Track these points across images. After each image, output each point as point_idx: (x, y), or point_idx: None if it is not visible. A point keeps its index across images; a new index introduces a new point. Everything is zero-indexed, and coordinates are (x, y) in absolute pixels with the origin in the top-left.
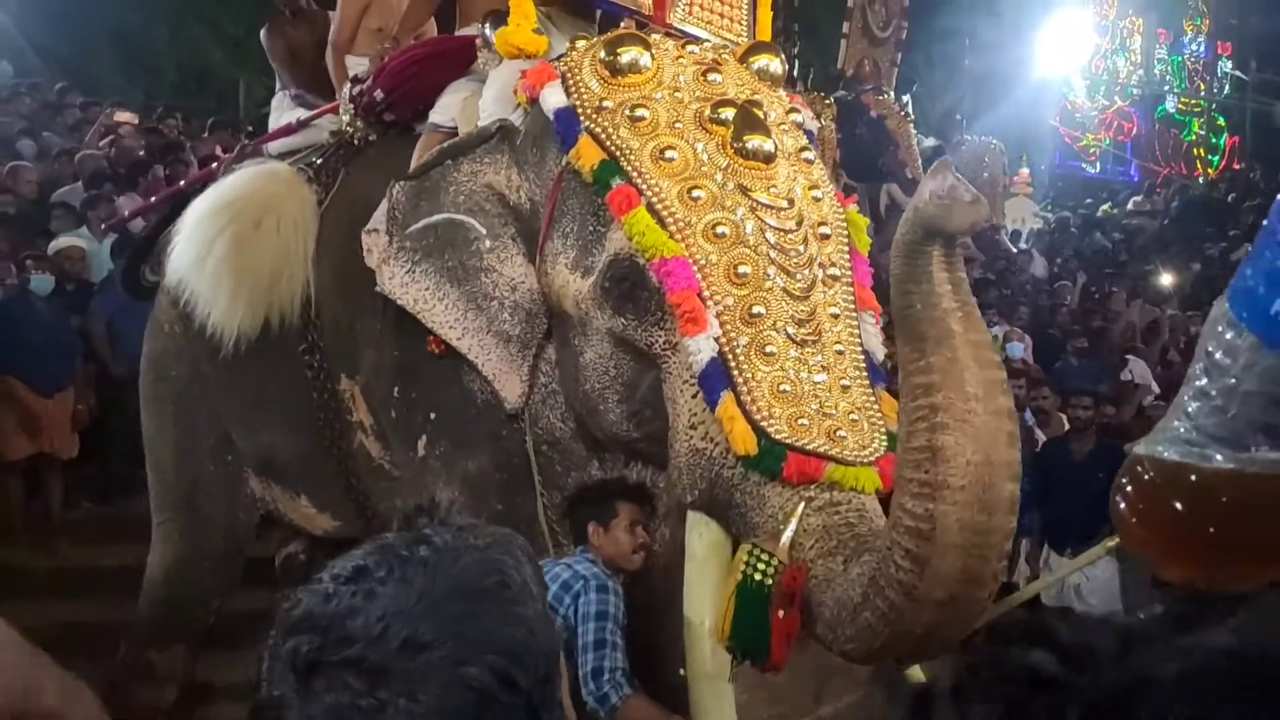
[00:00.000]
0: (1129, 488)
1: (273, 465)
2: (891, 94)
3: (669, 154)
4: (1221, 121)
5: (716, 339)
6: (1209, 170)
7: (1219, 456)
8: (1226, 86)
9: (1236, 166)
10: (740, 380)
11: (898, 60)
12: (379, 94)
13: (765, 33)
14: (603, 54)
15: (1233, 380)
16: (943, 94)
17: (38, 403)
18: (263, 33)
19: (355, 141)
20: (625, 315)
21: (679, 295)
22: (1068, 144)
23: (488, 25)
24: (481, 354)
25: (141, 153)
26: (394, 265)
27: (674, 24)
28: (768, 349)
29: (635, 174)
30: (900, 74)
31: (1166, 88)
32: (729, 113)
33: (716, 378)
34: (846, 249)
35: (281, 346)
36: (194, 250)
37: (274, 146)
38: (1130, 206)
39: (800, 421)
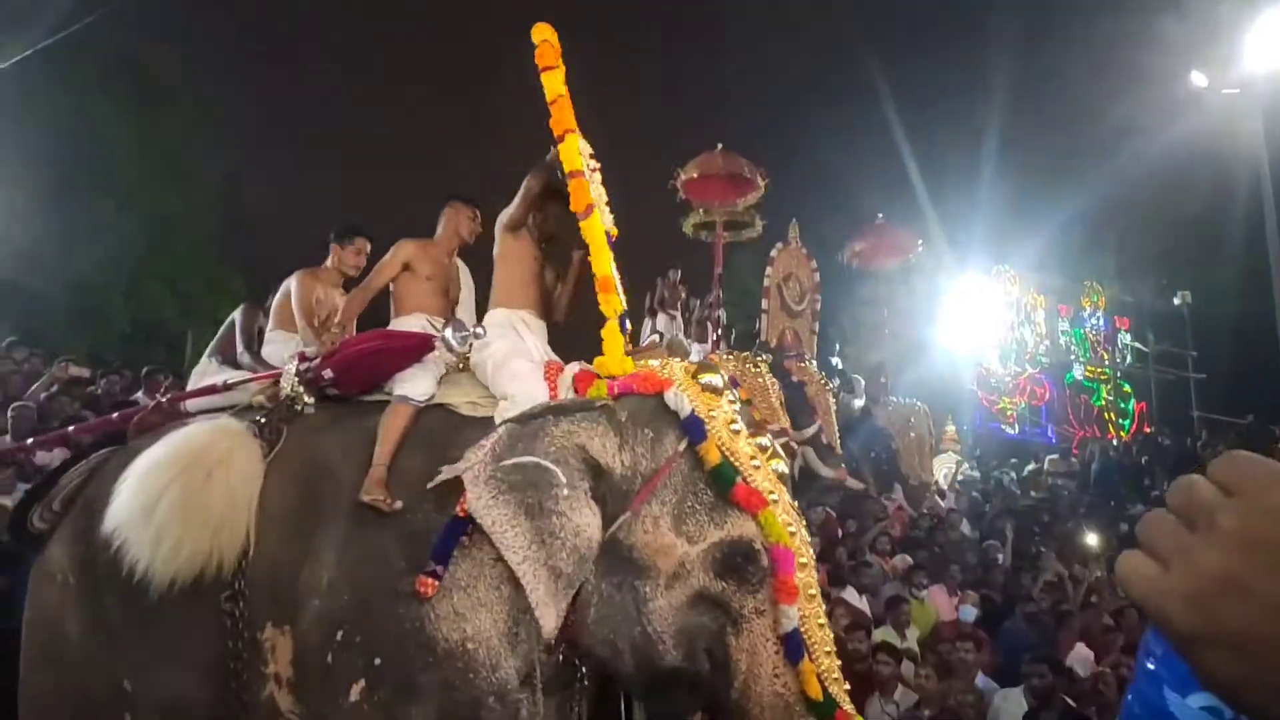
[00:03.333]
0: None
1: (173, 717)
2: (813, 361)
3: (754, 461)
4: (1128, 388)
5: (799, 609)
6: (1121, 433)
7: None
8: (1129, 356)
9: (1148, 429)
10: (810, 643)
11: (815, 329)
12: (327, 373)
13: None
14: (705, 378)
15: None
16: (867, 356)
17: None
18: (294, 282)
19: (298, 407)
20: (726, 581)
21: (787, 575)
22: (986, 406)
23: (448, 329)
24: (534, 581)
25: (78, 406)
26: (483, 489)
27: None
28: (820, 620)
29: (746, 476)
30: (824, 339)
31: (1073, 357)
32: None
33: (798, 640)
34: None
35: (203, 594)
36: (142, 497)
37: (194, 404)
38: (1047, 466)
39: (835, 677)
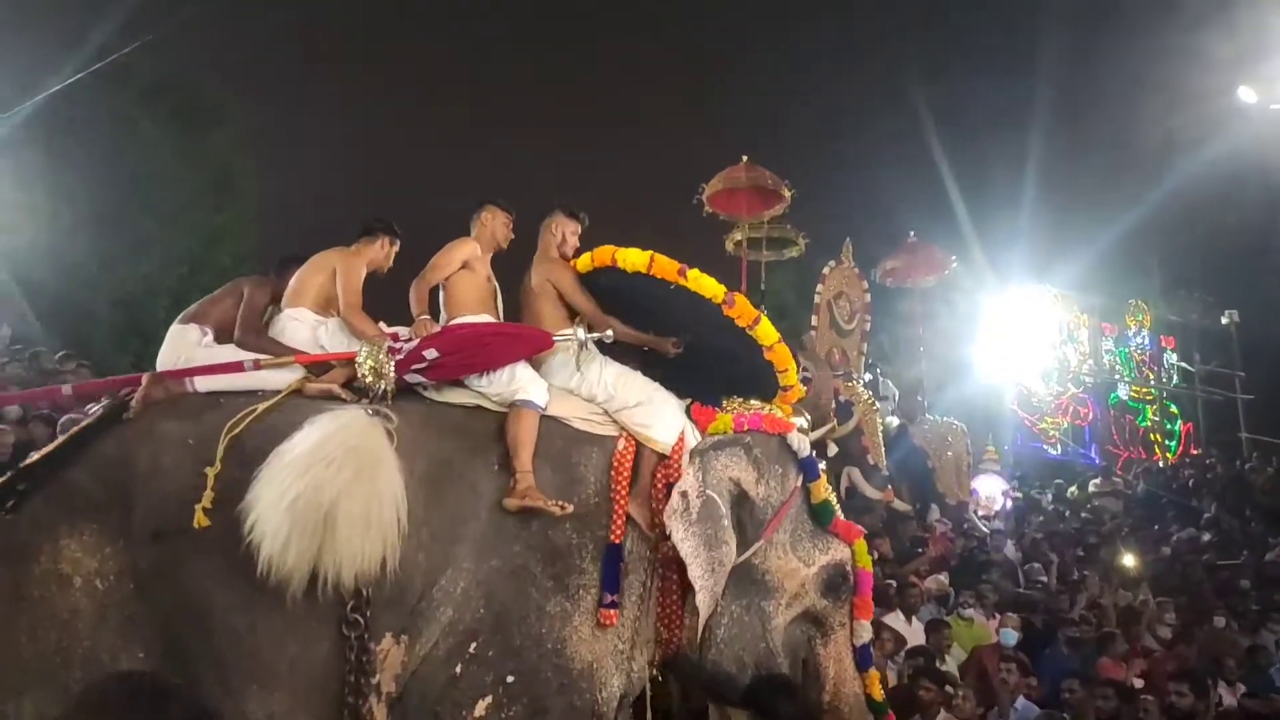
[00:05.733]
0: None
1: None
2: (860, 381)
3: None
4: (1174, 409)
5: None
6: (1167, 455)
7: None
8: (1175, 376)
9: (1194, 451)
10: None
11: (863, 349)
12: (431, 353)
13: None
14: (798, 421)
15: None
16: (904, 375)
17: None
18: (340, 262)
19: (382, 393)
20: (828, 599)
21: (867, 594)
22: (1027, 426)
23: (581, 328)
24: (706, 607)
25: None
26: (678, 522)
27: None
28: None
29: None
30: (866, 361)
31: (1117, 377)
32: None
33: (869, 650)
34: None
35: (325, 602)
36: (295, 492)
37: (204, 383)
38: (1091, 489)
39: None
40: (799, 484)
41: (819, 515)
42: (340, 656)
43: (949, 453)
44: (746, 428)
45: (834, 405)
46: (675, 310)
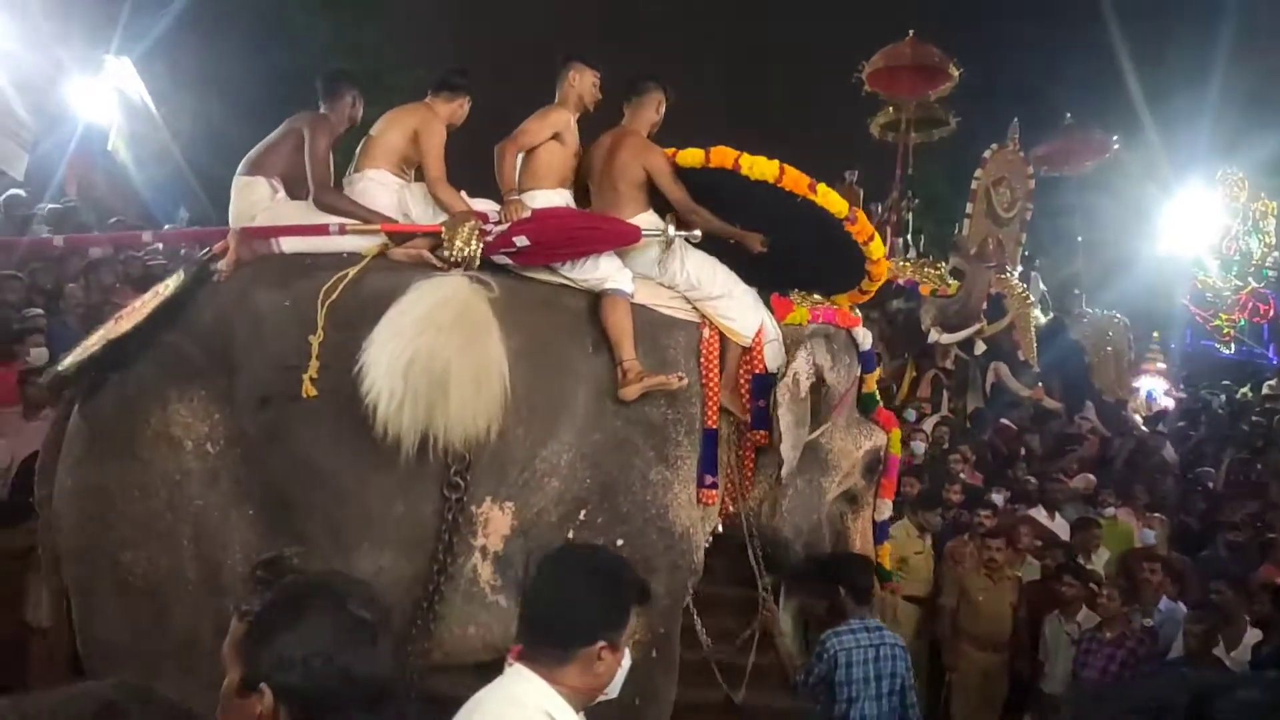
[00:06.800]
0: None
1: None
2: (1015, 273)
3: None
4: None
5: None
6: None
7: None
8: None
9: None
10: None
11: (1021, 240)
12: (521, 239)
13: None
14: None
15: None
16: (1061, 268)
17: None
18: (421, 123)
19: (470, 268)
20: (865, 479)
21: (893, 477)
22: (1199, 323)
23: (671, 225)
24: (789, 479)
25: None
26: (789, 402)
27: None
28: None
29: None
30: (1023, 253)
31: None
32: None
33: (885, 526)
34: None
35: (432, 464)
36: (410, 355)
37: (289, 243)
38: (1265, 390)
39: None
40: (857, 374)
41: (865, 405)
42: (440, 516)
43: (1108, 348)
44: (822, 320)
45: (985, 303)
46: (750, 202)
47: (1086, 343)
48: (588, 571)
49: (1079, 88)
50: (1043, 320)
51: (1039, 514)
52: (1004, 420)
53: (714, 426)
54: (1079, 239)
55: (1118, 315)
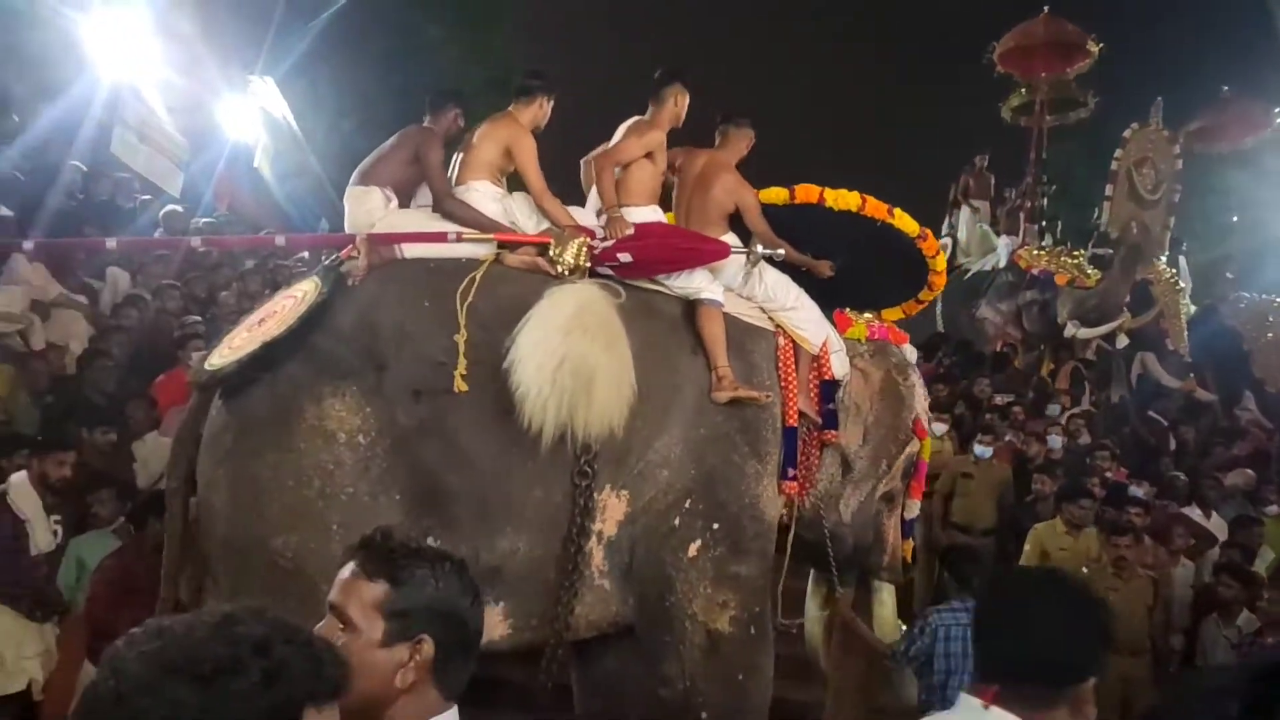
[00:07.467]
0: None
1: (497, 575)
2: (1163, 258)
3: None
4: None
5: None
6: None
7: None
8: None
9: None
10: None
11: (1170, 224)
12: (625, 256)
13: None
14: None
15: None
16: (1211, 251)
17: None
18: (516, 139)
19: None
20: (903, 481)
21: (922, 480)
22: None
23: (759, 246)
24: (862, 471)
25: None
26: (865, 405)
27: None
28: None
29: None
30: (1171, 236)
31: None
32: None
33: (912, 523)
34: None
35: (566, 455)
36: (559, 358)
37: (411, 249)
38: None
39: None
40: (917, 387)
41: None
42: (571, 502)
43: (1269, 334)
44: (878, 336)
45: (1128, 297)
46: (818, 231)
47: (1244, 329)
48: (1069, 600)
49: (1233, 59)
50: (1192, 308)
51: (1192, 512)
52: (1151, 412)
53: (794, 425)
54: (1234, 219)
55: (1278, 299)
